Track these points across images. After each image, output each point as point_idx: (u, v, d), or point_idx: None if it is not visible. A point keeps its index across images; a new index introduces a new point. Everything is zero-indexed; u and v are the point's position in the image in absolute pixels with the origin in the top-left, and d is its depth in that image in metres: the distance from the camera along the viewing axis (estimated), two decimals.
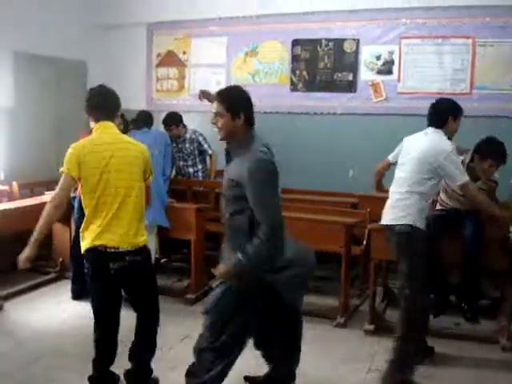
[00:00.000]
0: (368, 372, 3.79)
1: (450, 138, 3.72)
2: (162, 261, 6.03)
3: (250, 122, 2.87)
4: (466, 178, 3.60)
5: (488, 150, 4.07)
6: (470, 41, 5.86)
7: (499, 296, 4.66)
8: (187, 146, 6.21)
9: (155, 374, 3.50)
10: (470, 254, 4.22)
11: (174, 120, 6.14)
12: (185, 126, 6.25)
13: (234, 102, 2.84)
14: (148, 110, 6.16)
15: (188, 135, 6.22)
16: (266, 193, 2.74)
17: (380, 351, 4.04)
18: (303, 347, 3.23)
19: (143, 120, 5.48)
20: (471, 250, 4.21)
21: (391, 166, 4.03)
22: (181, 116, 6.20)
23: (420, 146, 3.68)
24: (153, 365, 3.47)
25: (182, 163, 6.32)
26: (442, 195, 4.45)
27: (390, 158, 4.02)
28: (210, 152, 6.25)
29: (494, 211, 3.85)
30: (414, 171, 3.63)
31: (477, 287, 4.42)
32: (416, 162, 3.64)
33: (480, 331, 4.38)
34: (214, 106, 2.89)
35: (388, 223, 3.73)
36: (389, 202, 3.79)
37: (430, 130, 3.73)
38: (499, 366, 3.93)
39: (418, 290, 3.58)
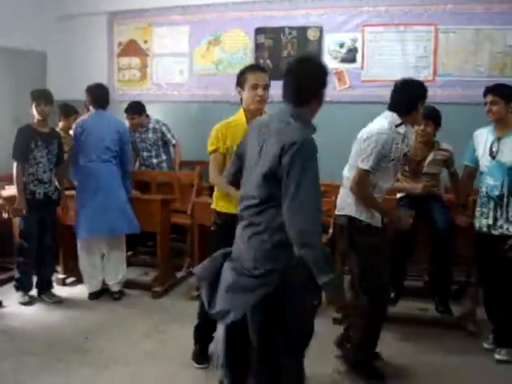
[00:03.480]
0: None
1: None
2: (128, 253, 5.93)
3: None
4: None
5: None
6: (433, 28, 5.88)
7: (465, 281, 4.67)
8: (150, 136, 6.11)
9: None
10: (444, 244, 4.24)
11: (136, 109, 6.03)
12: (148, 116, 6.16)
13: None
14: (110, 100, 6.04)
15: (151, 125, 6.12)
16: None
17: None
18: None
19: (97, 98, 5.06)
20: (444, 241, 4.22)
21: None
22: (143, 105, 6.10)
23: None
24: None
25: (145, 154, 6.21)
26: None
27: None
28: (173, 142, 6.16)
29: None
30: None
31: (449, 275, 4.45)
32: None
33: (447, 317, 4.39)
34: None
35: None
36: None
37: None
38: (466, 351, 3.93)
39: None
